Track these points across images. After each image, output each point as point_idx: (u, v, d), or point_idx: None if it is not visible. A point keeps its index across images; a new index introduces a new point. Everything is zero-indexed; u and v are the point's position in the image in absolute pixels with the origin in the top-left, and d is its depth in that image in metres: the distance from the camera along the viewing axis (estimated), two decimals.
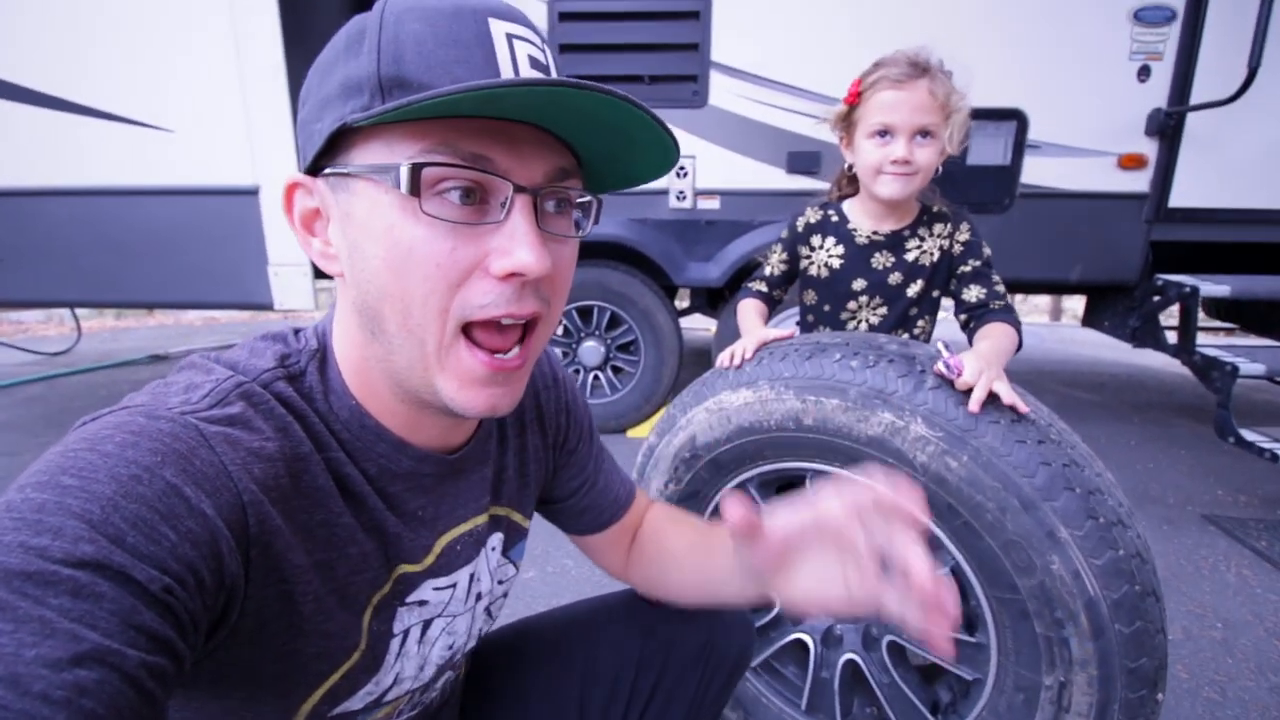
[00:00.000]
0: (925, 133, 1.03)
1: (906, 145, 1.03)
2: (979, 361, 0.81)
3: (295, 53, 2.42)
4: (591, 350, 2.99)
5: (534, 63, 0.42)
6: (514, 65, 0.41)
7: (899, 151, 1.03)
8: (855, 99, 1.07)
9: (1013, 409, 0.80)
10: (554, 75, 0.43)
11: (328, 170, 0.43)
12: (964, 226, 1.12)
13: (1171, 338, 2.58)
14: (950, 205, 1.15)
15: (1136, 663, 0.75)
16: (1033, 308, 9.13)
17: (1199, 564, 1.95)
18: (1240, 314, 3.58)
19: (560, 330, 2.95)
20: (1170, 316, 2.63)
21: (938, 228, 1.13)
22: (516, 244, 0.41)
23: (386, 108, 0.37)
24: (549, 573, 1.86)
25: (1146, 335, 2.73)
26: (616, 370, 3.06)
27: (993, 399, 0.80)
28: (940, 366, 0.82)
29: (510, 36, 0.41)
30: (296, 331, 0.52)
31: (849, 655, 1.03)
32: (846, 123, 1.11)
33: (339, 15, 2.79)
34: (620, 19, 2.61)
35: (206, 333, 6.71)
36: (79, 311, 5.19)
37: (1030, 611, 0.79)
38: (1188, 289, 2.42)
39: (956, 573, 0.85)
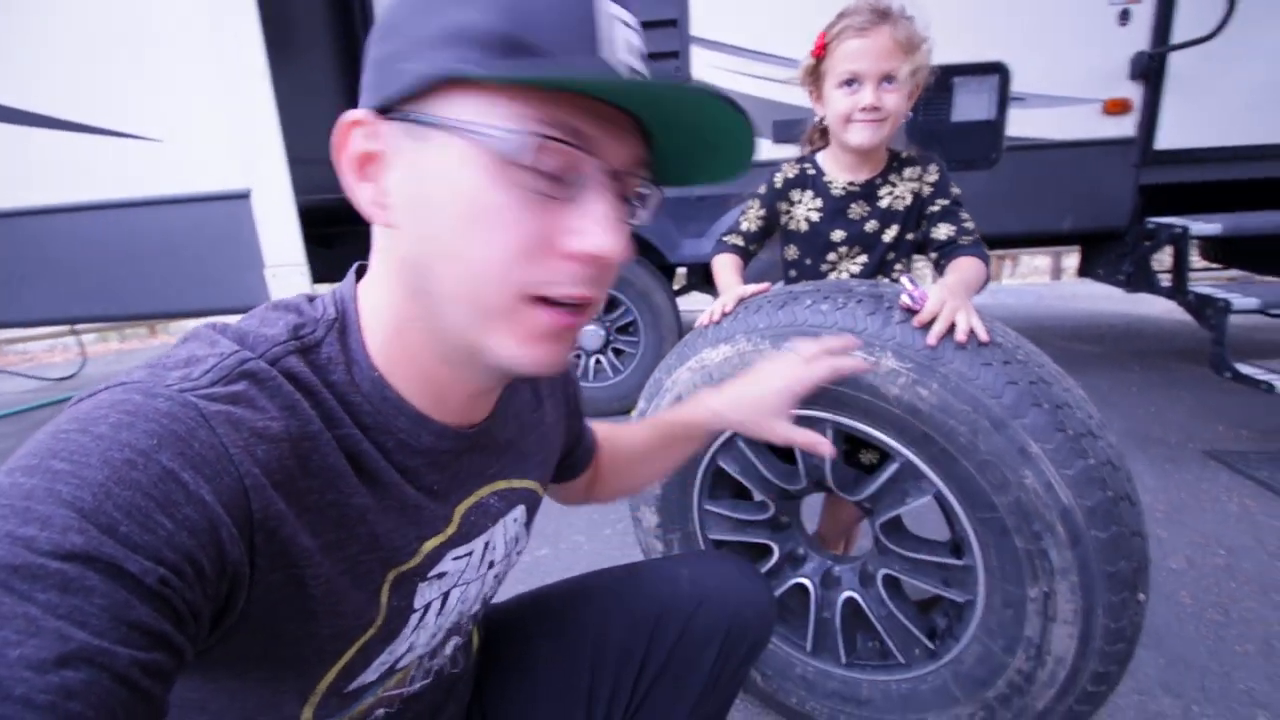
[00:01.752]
0: (890, 78, 1.05)
1: (874, 91, 1.05)
2: (942, 292, 0.84)
3: (278, 54, 2.43)
4: (591, 334, 3.00)
5: (628, 47, 0.41)
6: (613, 45, 0.40)
7: (867, 98, 1.05)
8: (821, 51, 1.09)
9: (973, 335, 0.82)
10: (642, 61, 0.44)
11: (409, 115, 0.40)
12: (932, 168, 1.15)
13: (1165, 281, 2.59)
14: (919, 149, 1.18)
15: (1115, 566, 0.78)
16: (1033, 269, 9.07)
17: (1200, 497, 1.97)
18: (1238, 256, 3.57)
19: None
20: (1165, 260, 2.63)
21: (908, 171, 1.15)
22: (599, 226, 0.41)
23: (517, 75, 0.37)
24: (562, 549, 1.90)
25: (1140, 280, 2.73)
26: (618, 353, 3.08)
27: (953, 332, 0.83)
28: (905, 299, 0.85)
29: (612, 18, 0.41)
30: (311, 299, 0.49)
31: (847, 594, 1.06)
32: (814, 76, 1.13)
33: (319, 16, 2.82)
34: None
35: None
36: (83, 337, 5.23)
37: (1010, 527, 0.82)
38: (1178, 230, 2.42)
39: (940, 500, 0.88)
